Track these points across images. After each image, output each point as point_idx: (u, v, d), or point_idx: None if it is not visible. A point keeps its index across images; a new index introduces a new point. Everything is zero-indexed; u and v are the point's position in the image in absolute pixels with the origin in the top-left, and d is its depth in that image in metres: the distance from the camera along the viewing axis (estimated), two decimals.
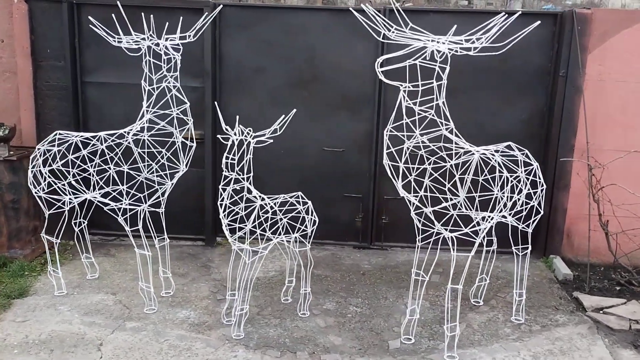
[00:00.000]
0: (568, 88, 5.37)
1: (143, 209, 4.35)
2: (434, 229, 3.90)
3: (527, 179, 4.02)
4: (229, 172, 3.87)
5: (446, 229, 3.80)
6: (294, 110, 4.04)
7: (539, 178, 4.12)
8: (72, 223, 4.87)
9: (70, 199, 4.43)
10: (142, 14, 4.19)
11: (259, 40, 5.64)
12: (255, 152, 3.94)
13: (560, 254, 5.68)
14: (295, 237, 4.23)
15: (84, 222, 4.98)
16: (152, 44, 4.14)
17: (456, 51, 3.59)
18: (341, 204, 5.90)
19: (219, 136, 4.00)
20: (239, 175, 3.87)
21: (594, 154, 5.20)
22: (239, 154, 3.83)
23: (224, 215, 3.91)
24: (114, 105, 5.78)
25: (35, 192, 4.45)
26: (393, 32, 3.62)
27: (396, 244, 5.96)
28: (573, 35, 5.26)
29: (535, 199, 4.12)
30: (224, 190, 3.93)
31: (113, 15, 4.43)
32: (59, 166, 4.32)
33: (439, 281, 5.10)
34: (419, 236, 4.00)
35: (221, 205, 3.90)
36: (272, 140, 3.94)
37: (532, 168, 4.09)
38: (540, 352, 3.96)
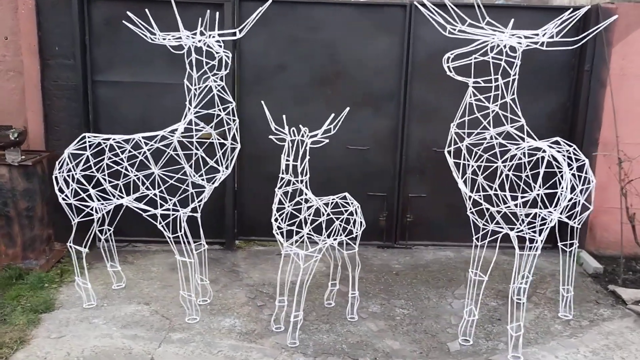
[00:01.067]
0: (593, 82, 5.41)
1: (184, 214, 4.13)
2: (490, 227, 3.84)
3: (580, 175, 4.00)
4: (285, 174, 3.70)
5: (511, 228, 3.74)
6: (347, 108, 3.90)
7: (589, 174, 4.11)
8: (98, 230, 4.59)
9: (103, 204, 4.17)
10: (174, 8, 3.95)
11: (280, 37, 5.46)
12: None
13: (585, 247, 5.72)
14: (344, 240, 4.10)
15: (109, 230, 4.72)
16: (197, 41, 3.91)
17: (528, 46, 3.51)
18: (365, 203, 5.76)
19: (271, 137, 3.82)
20: (294, 177, 3.71)
21: (608, 148, 5.29)
22: (298, 155, 3.68)
23: (279, 219, 3.74)
24: (127, 106, 5.50)
25: (63, 199, 4.17)
26: (457, 27, 3.52)
27: (421, 242, 5.89)
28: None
29: (586, 194, 4.11)
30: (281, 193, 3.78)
31: (147, 10, 4.15)
32: (92, 171, 4.06)
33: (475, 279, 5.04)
34: (475, 235, 3.94)
35: (279, 209, 3.73)
36: (327, 140, 3.80)
37: (584, 163, 4.07)
38: (598, 347, 3.95)
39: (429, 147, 5.61)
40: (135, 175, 4.02)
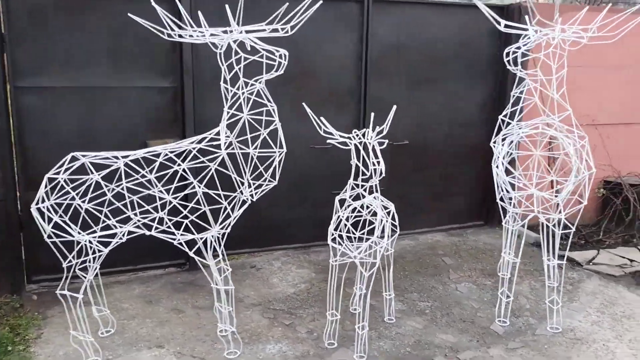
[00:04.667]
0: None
1: (217, 234, 3.62)
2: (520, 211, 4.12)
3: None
4: (354, 179, 3.50)
5: (539, 211, 4.03)
6: (395, 106, 3.79)
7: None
8: (78, 268, 3.73)
9: (119, 238, 3.45)
10: None
11: None
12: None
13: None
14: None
15: (93, 265, 3.89)
16: (231, 40, 3.40)
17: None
18: (331, 203, 5.65)
19: (330, 141, 3.55)
20: (358, 181, 3.53)
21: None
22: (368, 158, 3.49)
23: (342, 227, 3.52)
24: (61, 116, 4.55)
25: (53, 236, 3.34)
26: (504, 23, 3.69)
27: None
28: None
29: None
30: (343, 200, 3.55)
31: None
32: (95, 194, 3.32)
33: (458, 263, 5.33)
34: (504, 218, 4.17)
35: (345, 217, 3.50)
36: (388, 141, 3.67)
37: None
38: (595, 307, 4.50)
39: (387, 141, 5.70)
40: (175, 197, 3.40)
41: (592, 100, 6.29)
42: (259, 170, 3.57)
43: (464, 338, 3.98)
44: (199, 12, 3.34)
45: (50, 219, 3.33)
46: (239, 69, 3.43)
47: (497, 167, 4.09)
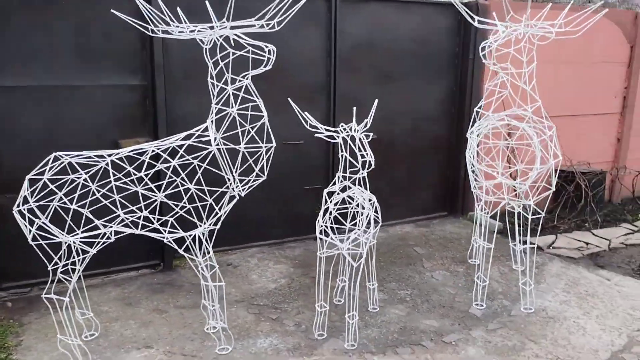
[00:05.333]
0: (475, 70, 6.29)
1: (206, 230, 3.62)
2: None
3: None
4: (341, 172, 3.58)
5: (510, 198, 4.25)
6: (377, 100, 3.89)
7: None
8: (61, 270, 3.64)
9: (108, 237, 3.39)
10: None
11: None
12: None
13: (472, 210, 6.67)
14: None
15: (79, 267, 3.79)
16: (217, 36, 3.40)
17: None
18: (303, 198, 5.73)
19: (319, 135, 3.61)
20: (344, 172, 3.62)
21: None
22: (354, 151, 3.57)
23: (329, 219, 3.60)
24: (24, 117, 4.40)
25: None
26: (477, 19, 3.85)
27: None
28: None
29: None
30: (331, 192, 3.63)
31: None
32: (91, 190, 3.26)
33: (430, 252, 5.51)
34: (482, 206, 4.36)
35: (330, 210, 3.59)
36: (373, 135, 3.78)
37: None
38: (561, 287, 4.77)
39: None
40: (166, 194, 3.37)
41: (543, 94, 6.62)
42: (246, 165, 3.59)
43: (446, 322, 4.13)
44: (178, 8, 3.34)
45: (32, 222, 3.23)
46: (226, 64, 3.42)
47: (472, 157, 4.28)
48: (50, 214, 3.27)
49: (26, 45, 4.30)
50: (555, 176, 4.13)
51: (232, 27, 3.43)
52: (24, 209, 3.24)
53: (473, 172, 4.39)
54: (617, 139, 7.54)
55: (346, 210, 3.75)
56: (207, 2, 3.28)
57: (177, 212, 3.44)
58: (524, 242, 4.50)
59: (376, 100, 3.89)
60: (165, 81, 4.82)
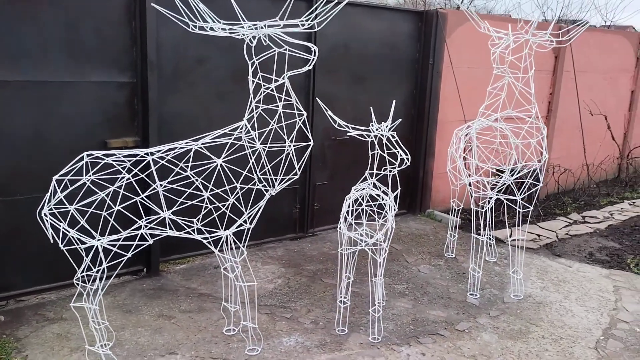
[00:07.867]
0: (434, 74, 6.64)
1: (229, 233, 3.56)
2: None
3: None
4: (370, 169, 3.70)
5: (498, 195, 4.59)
6: (394, 101, 4.02)
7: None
8: (85, 275, 3.39)
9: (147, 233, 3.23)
10: None
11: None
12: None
13: (430, 207, 7.02)
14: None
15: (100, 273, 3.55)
16: (251, 35, 3.36)
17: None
18: (280, 198, 5.70)
19: (350, 133, 3.67)
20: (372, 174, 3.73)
21: (442, 125, 6.72)
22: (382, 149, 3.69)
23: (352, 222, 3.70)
24: (11, 114, 4.05)
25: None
26: (484, 26, 4.13)
27: (324, 227, 6.17)
28: (438, 29, 6.52)
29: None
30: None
31: None
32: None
33: (407, 248, 5.73)
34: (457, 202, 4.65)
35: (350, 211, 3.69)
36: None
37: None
38: (535, 275, 5.20)
39: (329, 136, 5.92)
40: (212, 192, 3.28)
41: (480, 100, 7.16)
42: (286, 164, 3.59)
43: (451, 312, 4.37)
44: (201, 5, 3.29)
45: (70, 225, 3.00)
46: (273, 63, 3.40)
47: (459, 156, 4.58)
48: (87, 217, 3.05)
49: (13, 40, 3.94)
50: (543, 173, 4.52)
51: (269, 26, 3.41)
52: (48, 212, 3.00)
53: (468, 173, 4.65)
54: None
55: (372, 208, 3.84)
56: (233, 2, 3.25)
57: (223, 211, 3.35)
58: (489, 236, 4.94)
59: (394, 101, 4.03)
60: (158, 78, 4.63)
